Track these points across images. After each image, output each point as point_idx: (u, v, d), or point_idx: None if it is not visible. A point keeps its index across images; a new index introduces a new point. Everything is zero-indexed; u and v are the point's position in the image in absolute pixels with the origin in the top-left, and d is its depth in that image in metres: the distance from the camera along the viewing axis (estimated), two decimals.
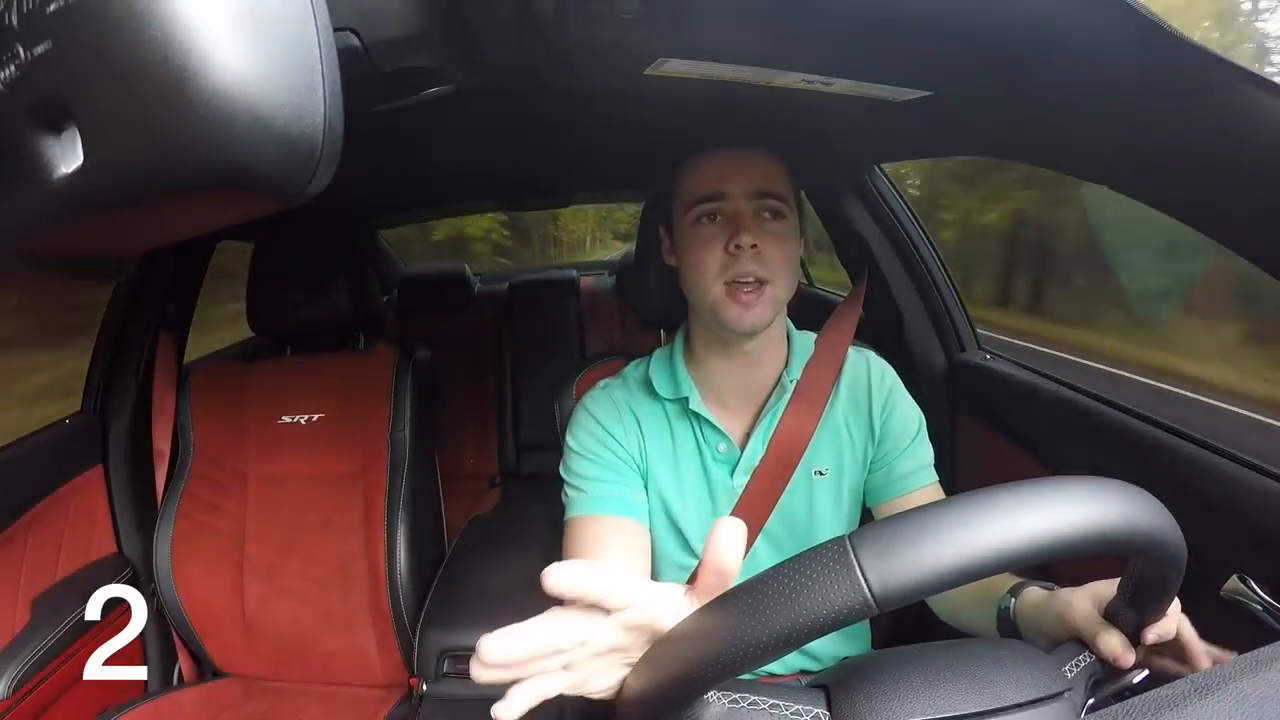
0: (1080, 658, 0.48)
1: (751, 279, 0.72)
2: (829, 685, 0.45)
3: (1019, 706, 0.41)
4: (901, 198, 1.27)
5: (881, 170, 1.25)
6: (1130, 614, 0.47)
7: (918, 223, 1.26)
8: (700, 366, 0.82)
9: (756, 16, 0.53)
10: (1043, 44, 0.52)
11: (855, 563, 0.33)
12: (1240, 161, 0.50)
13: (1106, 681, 0.48)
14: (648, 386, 0.83)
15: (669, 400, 0.81)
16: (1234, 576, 0.64)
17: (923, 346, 1.25)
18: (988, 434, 1.08)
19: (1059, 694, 0.42)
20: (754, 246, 0.72)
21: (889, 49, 0.58)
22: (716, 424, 0.80)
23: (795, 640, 0.34)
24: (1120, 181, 0.65)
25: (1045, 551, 0.34)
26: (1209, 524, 0.66)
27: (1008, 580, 0.68)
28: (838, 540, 0.34)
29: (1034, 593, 0.63)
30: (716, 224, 0.75)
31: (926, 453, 0.85)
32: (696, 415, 0.80)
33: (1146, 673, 0.47)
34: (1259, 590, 0.62)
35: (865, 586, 0.32)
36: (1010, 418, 1.05)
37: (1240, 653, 0.38)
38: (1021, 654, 0.45)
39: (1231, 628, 0.64)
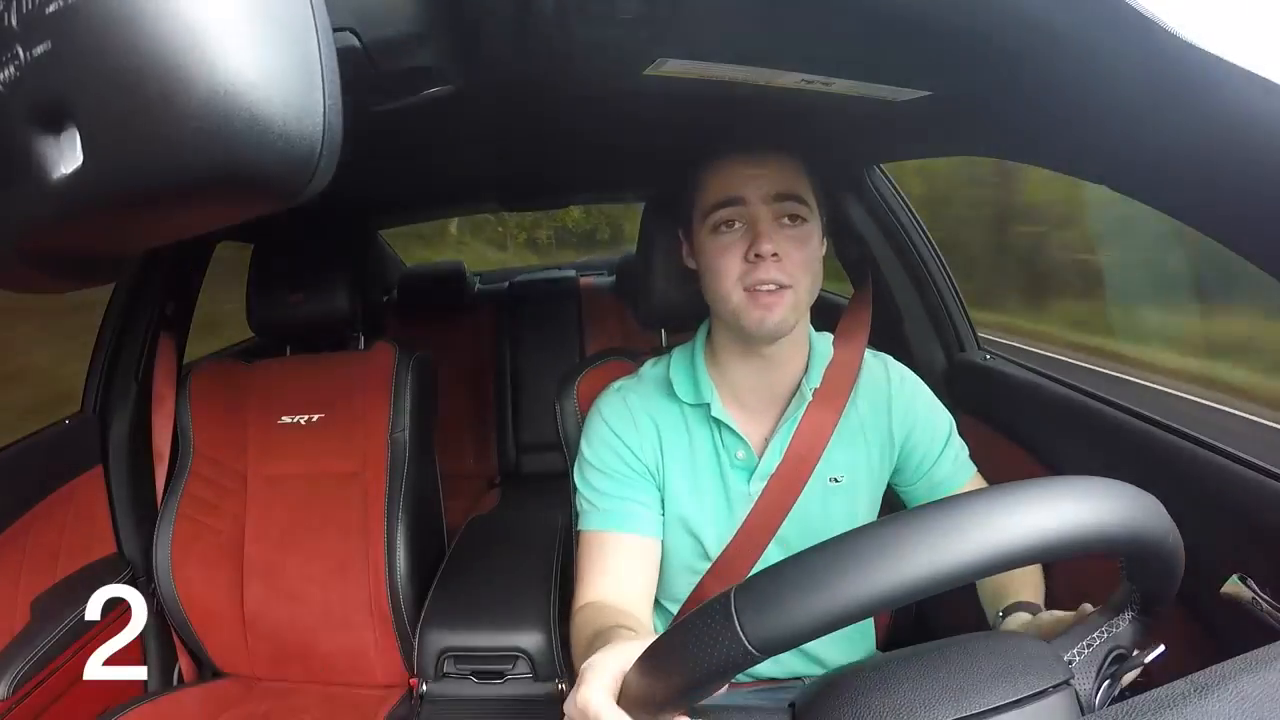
0: (1092, 637, 0.47)
1: (772, 285, 0.72)
2: (796, 704, 0.45)
3: (997, 710, 0.40)
4: (902, 198, 1.26)
5: (881, 170, 1.25)
6: (1138, 592, 0.47)
7: (918, 223, 1.26)
8: (721, 368, 0.81)
9: (756, 16, 0.53)
10: (1042, 44, 0.52)
11: (734, 616, 0.35)
12: (1240, 161, 0.50)
13: (1130, 656, 0.47)
14: (667, 387, 0.82)
15: (689, 404, 0.81)
16: (1234, 576, 0.64)
17: (923, 346, 1.25)
18: (988, 434, 1.08)
19: (1051, 688, 0.41)
20: (774, 255, 0.72)
21: (889, 49, 0.58)
22: (737, 430, 0.79)
23: (700, 690, 0.37)
24: (1120, 181, 0.65)
25: (925, 591, 0.34)
26: (1209, 524, 0.66)
27: (1012, 591, 0.70)
28: (726, 594, 0.36)
29: (1019, 616, 0.66)
30: (736, 231, 0.74)
31: (961, 450, 0.86)
32: (717, 421, 0.79)
33: (1162, 648, 0.46)
34: (1259, 591, 0.62)
35: (744, 639, 0.35)
36: (1010, 418, 1.05)
37: (1240, 653, 0.38)
38: (1009, 651, 0.44)
39: (1231, 628, 0.64)
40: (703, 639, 0.36)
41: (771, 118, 0.81)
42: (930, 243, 1.26)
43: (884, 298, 1.26)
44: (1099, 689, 0.45)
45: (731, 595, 0.36)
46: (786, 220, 0.74)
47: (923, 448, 0.83)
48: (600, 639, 0.61)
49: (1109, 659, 0.46)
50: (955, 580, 0.34)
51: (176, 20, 0.25)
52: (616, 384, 0.85)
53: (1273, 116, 0.46)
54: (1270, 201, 0.50)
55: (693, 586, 0.83)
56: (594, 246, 5.71)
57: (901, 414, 0.83)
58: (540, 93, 0.72)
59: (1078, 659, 0.45)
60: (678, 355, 0.85)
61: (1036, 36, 0.51)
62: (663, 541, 0.81)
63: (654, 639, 0.40)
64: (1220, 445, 0.74)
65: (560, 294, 2.25)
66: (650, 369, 0.86)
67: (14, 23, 0.28)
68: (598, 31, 0.54)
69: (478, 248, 5.80)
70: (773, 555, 0.81)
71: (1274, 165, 0.48)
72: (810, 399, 0.80)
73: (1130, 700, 0.35)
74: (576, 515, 0.83)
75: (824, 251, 0.79)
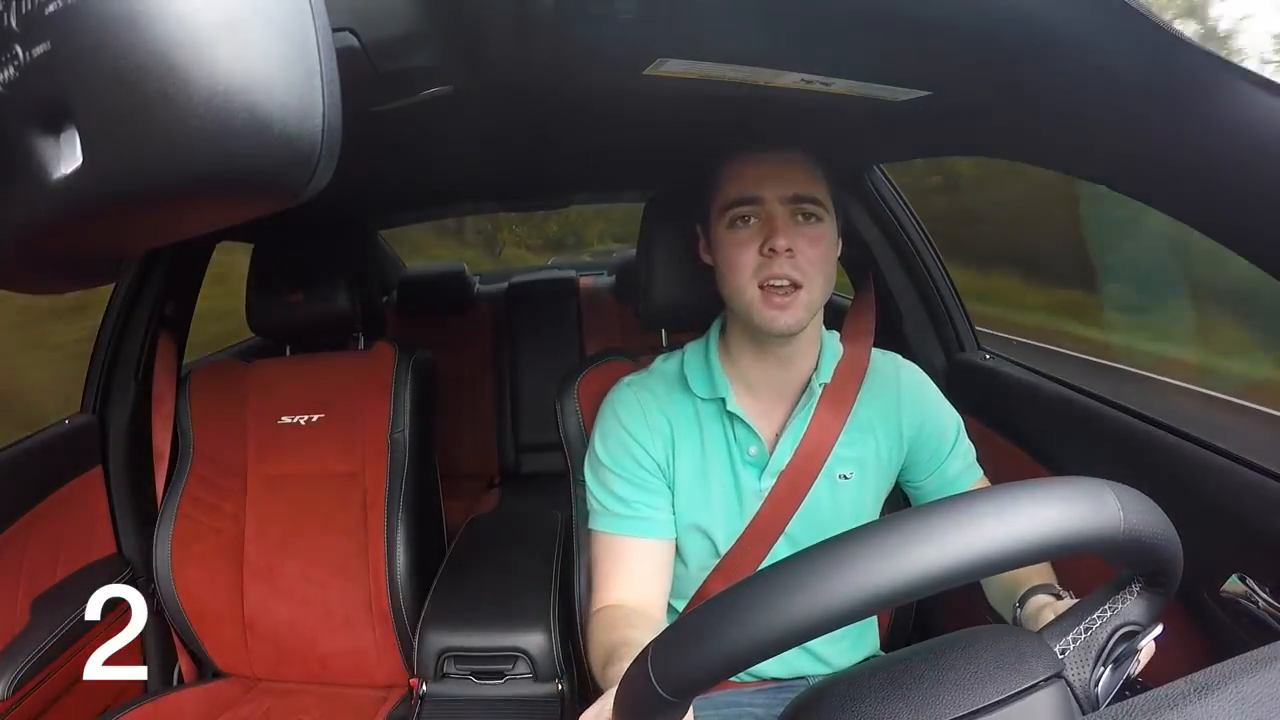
0: (1090, 620, 0.44)
1: (785, 282, 0.73)
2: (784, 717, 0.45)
3: (974, 715, 0.38)
4: (901, 198, 1.26)
5: (881, 170, 1.25)
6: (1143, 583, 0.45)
7: (917, 223, 1.26)
8: (735, 363, 0.82)
9: (756, 17, 0.53)
10: (1042, 44, 0.52)
11: (649, 666, 0.38)
12: (1240, 161, 0.50)
13: (1143, 630, 0.44)
14: (681, 382, 0.83)
15: (703, 399, 0.81)
16: (1234, 576, 0.64)
17: (922, 346, 1.25)
18: (987, 434, 1.08)
19: (1040, 682, 0.40)
20: (788, 250, 0.72)
21: (889, 49, 0.58)
22: (751, 425, 0.80)
23: None
24: (1120, 181, 0.65)
25: (820, 631, 0.34)
26: (1209, 524, 0.66)
27: (1028, 579, 0.70)
28: (649, 644, 0.39)
29: (1037, 600, 0.65)
30: (751, 226, 0.75)
31: (970, 450, 0.86)
32: (732, 415, 0.80)
33: (1161, 627, 0.45)
34: (1259, 590, 0.62)
35: (656, 688, 0.37)
36: (1010, 418, 1.05)
37: (1240, 652, 0.38)
38: (987, 649, 0.42)
39: (1231, 628, 0.64)
40: (634, 688, 0.39)
41: (771, 118, 0.81)
42: (930, 242, 1.26)
43: (884, 298, 1.26)
44: (1099, 679, 0.43)
45: (651, 644, 0.38)
46: (801, 218, 0.75)
47: (932, 444, 0.84)
48: (612, 666, 0.64)
49: (1114, 639, 0.43)
50: (864, 613, 0.34)
51: (176, 20, 0.25)
52: (628, 379, 0.85)
53: (1272, 116, 0.46)
54: (1270, 201, 0.50)
55: (699, 584, 0.84)
56: (563, 249, 7.69)
57: (911, 410, 0.83)
58: (540, 93, 0.72)
59: (1072, 647, 0.44)
60: (692, 350, 0.85)
61: (1036, 36, 0.51)
62: (675, 542, 0.82)
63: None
64: (1220, 445, 0.74)
65: (560, 294, 2.25)
66: (662, 364, 0.86)
67: (14, 23, 0.28)
68: (597, 31, 0.54)
69: (513, 247, 8.84)
70: (781, 552, 0.81)
71: (1273, 165, 0.48)
72: (820, 394, 0.80)
73: (1130, 700, 0.35)
74: (586, 512, 0.84)
75: (838, 253, 0.80)
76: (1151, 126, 0.55)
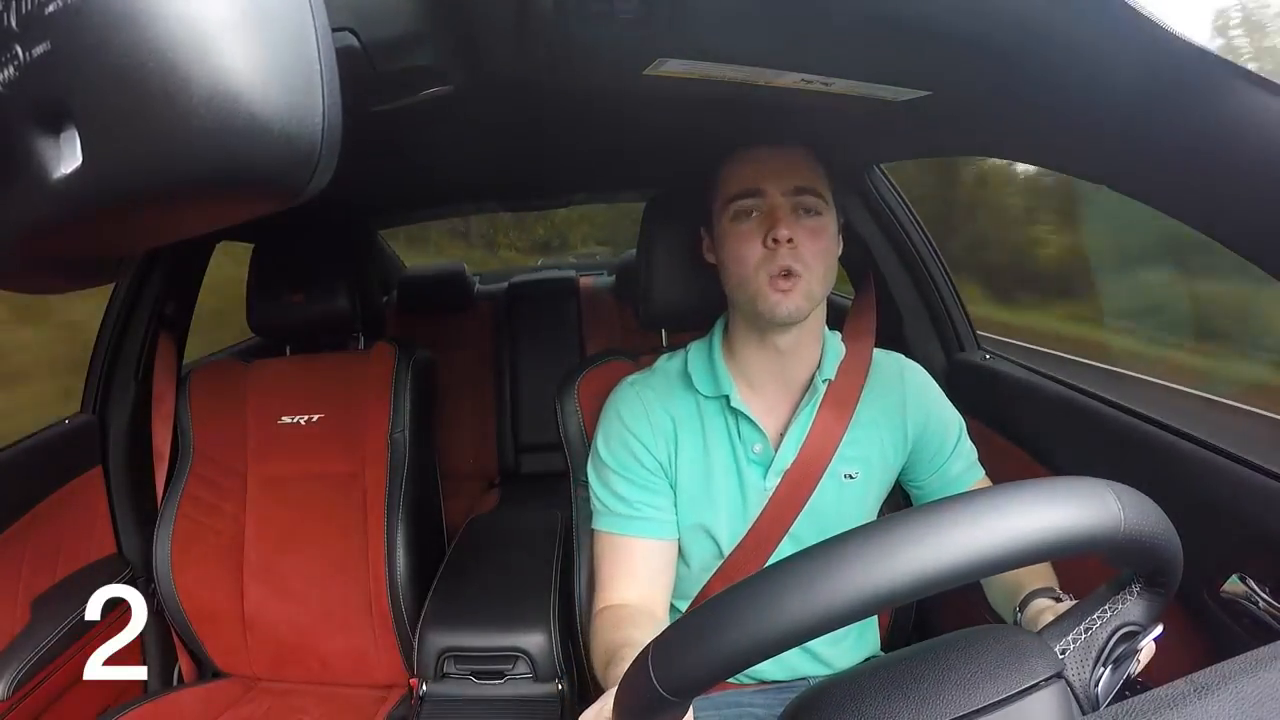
0: (1091, 620, 0.44)
1: (786, 270, 0.73)
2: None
3: (973, 715, 0.38)
4: (901, 197, 1.26)
5: (881, 170, 1.25)
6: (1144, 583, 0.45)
7: (917, 222, 1.26)
8: (738, 360, 0.82)
9: (756, 17, 0.53)
10: (1042, 44, 0.52)
11: (649, 666, 0.38)
12: (1240, 161, 0.50)
13: (1144, 630, 0.44)
14: (684, 381, 0.83)
15: (707, 397, 0.81)
16: (1234, 576, 0.64)
17: (922, 346, 1.25)
18: (987, 434, 1.08)
19: (1041, 683, 0.39)
20: (790, 241, 0.73)
21: (889, 49, 0.58)
22: (756, 422, 0.80)
23: None
24: (1120, 181, 0.65)
25: (821, 631, 0.34)
26: (1209, 524, 0.66)
27: (1029, 583, 0.70)
28: (649, 644, 0.39)
29: (1038, 604, 0.65)
30: (754, 219, 0.76)
31: (972, 450, 0.86)
32: (736, 413, 0.80)
33: (1160, 627, 0.45)
34: (1259, 590, 0.62)
35: (656, 687, 0.37)
36: (1010, 418, 1.05)
37: (1240, 652, 0.38)
38: (986, 648, 0.42)
39: (1231, 627, 0.64)
40: (634, 688, 0.39)
41: (772, 118, 0.81)
42: (930, 242, 1.26)
43: (884, 298, 1.26)
44: (1099, 679, 0.43)
45: (651, 644, 0.39)
46: (803, 211, 0.76)
47: (935, 443, 0.84)
48: (614, 667, 0.64)
49: (1114, 639, 0.43)
50: (865, 613, 0.34)
51: (176, 21, 0.25)
52: (630, 378, 0.85)
53: (1272, 116, 0.46)
54: (1270, 201, 0.50)
55: (702, 585, 0.84)
56: (549, 251, 8.14)
57: (915, 409, 0.84)
58: (539, 93, 0.72)
59: (1072, 647, 0.43)
60: (695, 349, 0.86)
61: (1036, 36, 0.51)
62: (678, 542, 0.82)
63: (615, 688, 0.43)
64: (1220, 445, 0.74)
65: (560, 294, 2.25)
66: (665, 363, 0.87)
67: (14, 23, 0.28)
68: (597, 32, 0.54)
69: (506, 249, 9.38)
70: (785, 553, 0.81)
71: (1273, 165, 0.48)
72: (824, 391, 0.80)
73: (1130, 700, 0.35)
74: (588, 512, 0.84)
75: (839, 250, 0.80)
76: (1151, 126, 0.55)
